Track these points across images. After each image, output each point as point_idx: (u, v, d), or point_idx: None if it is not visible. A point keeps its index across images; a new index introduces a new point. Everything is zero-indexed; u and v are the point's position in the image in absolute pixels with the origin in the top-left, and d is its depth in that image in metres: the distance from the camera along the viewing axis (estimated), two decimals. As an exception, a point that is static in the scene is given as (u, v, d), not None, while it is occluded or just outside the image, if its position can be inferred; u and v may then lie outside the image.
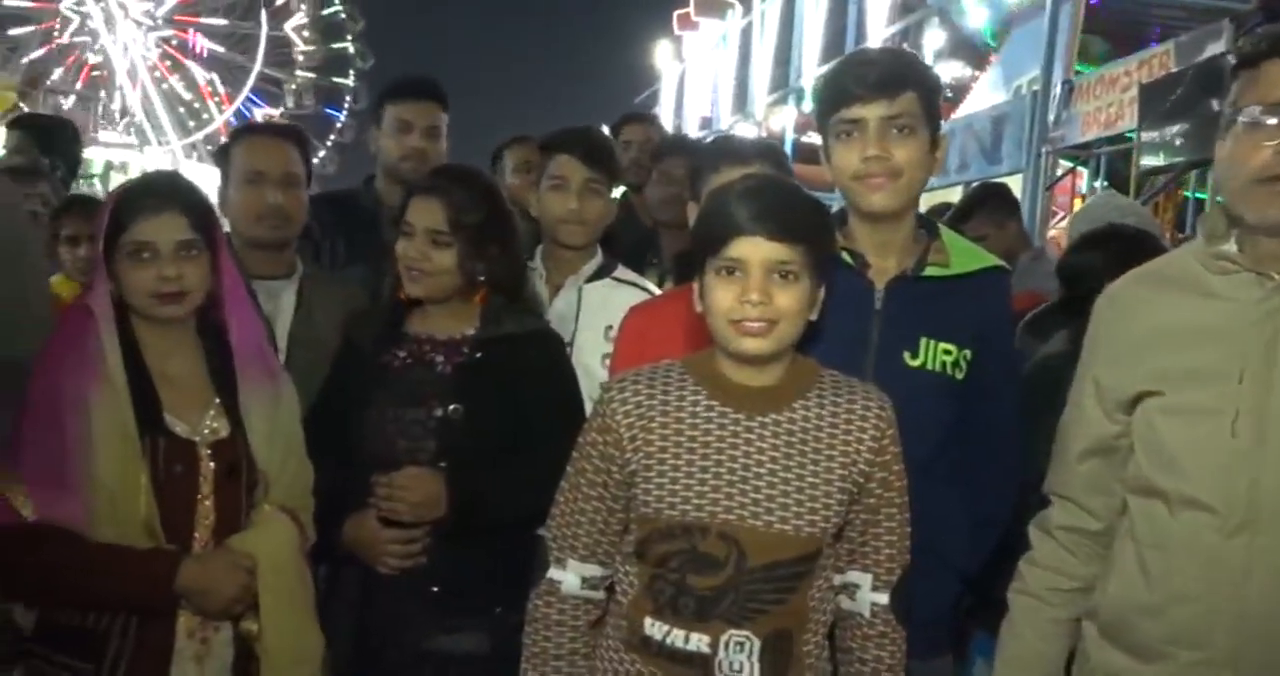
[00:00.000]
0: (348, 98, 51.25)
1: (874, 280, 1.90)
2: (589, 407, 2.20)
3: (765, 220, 1.56)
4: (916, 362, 1.88)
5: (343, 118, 51.08)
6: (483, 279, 2.18)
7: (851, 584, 1.70)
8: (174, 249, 1.87)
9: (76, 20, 49.95)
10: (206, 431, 1.92)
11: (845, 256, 1.89)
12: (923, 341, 1.88)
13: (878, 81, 1.82)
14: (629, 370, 1.71)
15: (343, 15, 50.58)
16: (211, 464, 1.90)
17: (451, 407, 2.13)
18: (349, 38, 50.96)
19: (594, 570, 1.70)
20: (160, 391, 1.89)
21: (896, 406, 1.66)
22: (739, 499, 1.59)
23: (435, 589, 2.11)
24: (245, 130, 2.67)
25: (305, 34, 50.90)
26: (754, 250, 1.56)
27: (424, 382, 2.16)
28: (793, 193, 1.66)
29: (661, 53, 26.93)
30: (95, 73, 49.50)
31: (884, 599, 1.69)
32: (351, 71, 51.14)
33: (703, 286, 1.62)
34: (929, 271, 1.91)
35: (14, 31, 48.69)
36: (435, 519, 2.09)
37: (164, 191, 1.90)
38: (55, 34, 50.05)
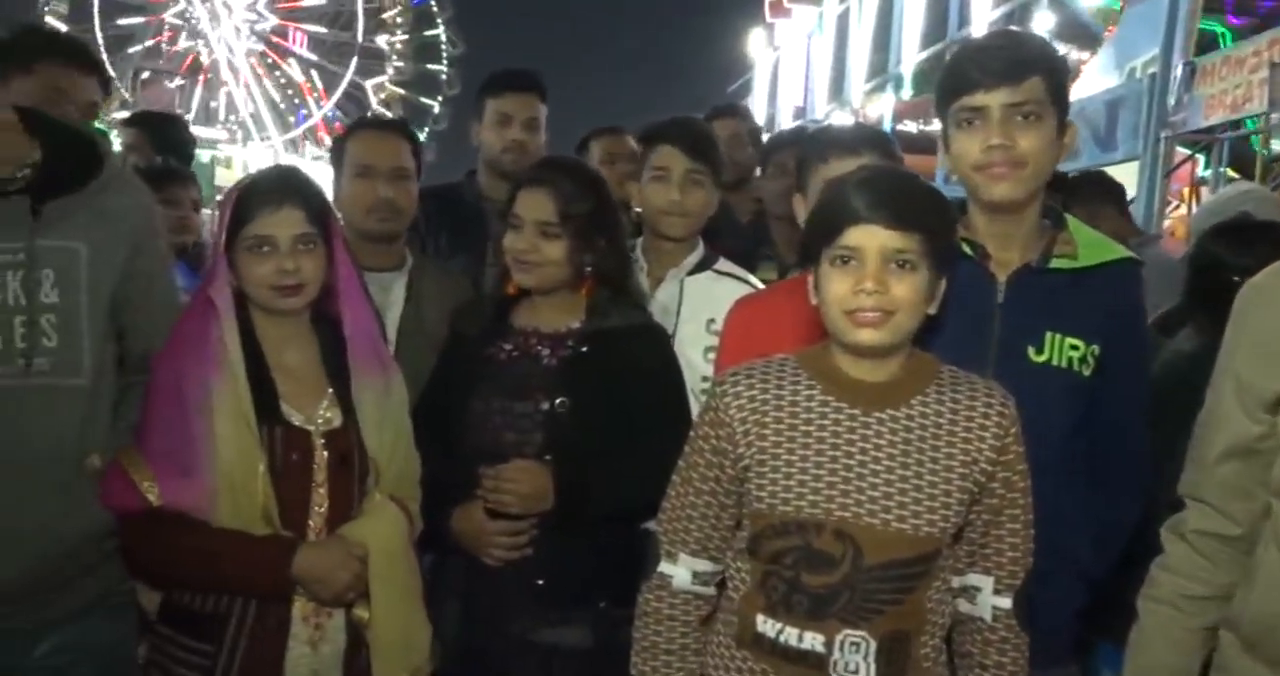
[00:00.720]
0: (441, 83, 52.23)
1: (995, 272, 1.86)
2: (692, 401, 2.23)
3: (882, 207, 1.54)
4: (1041, 358, 1.83)
5: (437, 107, 52.05)
6: (589, 271, 2.19)
7: (972, 587, 1.66)
8: (292, 242, 1.92)
9: (181, 23, 51.91)
10: (321, 421, 1.98)
11: (965, 248, 1.85)
12: (1048, 336, 1.83)
13: (1001, 67, 1.77)
14: (742, 364, 1.70)
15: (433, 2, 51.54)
16: (325, 453, 1.95)
17: (558, 401, 2.15)
18: (439, 24, 51.85)
19: (705, 565, 1.70)
20: (277, 381, 1.96)
21: (1019, 404, 1.62)
22: (855, 496, 1.57)
23: (540, 581, 2.14)
24: (358, 125, 2.74)
25: (398, 51, 52.01)
26: (870, 238, 1.55)
27: (530, 376, 2.19)
28: (910, 180, 1.63)
29: (754, 41, 26.61)
30: (201, 71, 51.30)
31: (1006, 602, 1.65)
32: (445, 58, 52.07)
33: (817, 277, 1.61)
34: (1055, 263, 1.85)
35: (123, 20, 50.88)
36: (541, 511, 2.12)
37: (283, 186, 1.96)
38: (164, 31, 52.12)
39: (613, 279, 2.24)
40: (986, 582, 1.65)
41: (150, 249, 2.03)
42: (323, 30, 54.54)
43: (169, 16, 51.72)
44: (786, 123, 21.42)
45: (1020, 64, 1.77)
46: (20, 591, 1.85)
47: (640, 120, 2.83)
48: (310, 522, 1.93)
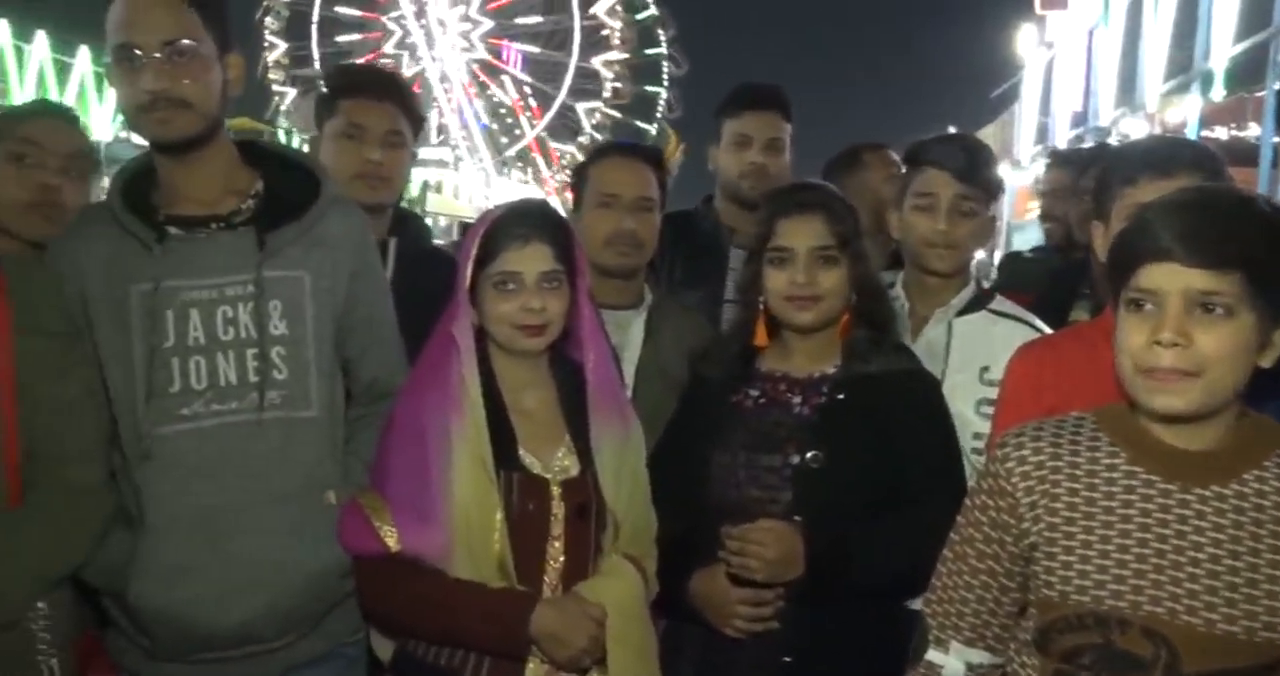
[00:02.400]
0: (660, 106, 53.25)
1: None
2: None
3: (1186, 240, 1.38)
4: None
5: (653, 130, 53.07)
6: (850, 307, 2.11)
7: None
8: (538, 280, 1.93)
9: (398, 33, 55.29)
10: (558, 469, 1.97)
11: None
12: None
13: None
14: (1027, 422, 1.58)
15: (657, 22, 52.68)
16: (563, 503, 1.93)
17: (810, 454, 2.06)
18: (662, 43, 52.91)
19: (981, 656, 1.59)
20: (515, 425, 1.96)
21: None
22: (1170, 589, 1.42)
23: (787, 659, 2.03)
24: (603, 151, 2.73)
25: (615, 70, 53.46)
26: (1170, 279, 1.39)
27: (780, 426, 2.11)
28: (1229, 203, 1.45)
29: (1022, 38, 24.68)
30: (414, 84, 54.64)
31: None
32: (665, 78, 53.06)
33: (1116, 322, 1.47)
34: None
35: (342, 38, 54.76)
36: (791, 579, 2.01)
37: (531, 221, 1.96)
38: (379, 46, 55.68)
39: (875, 318, 2.14)
40: None
41: (368, 274, 2.08)
42: (536, 50, 56.74)
43: (389, 20, 54.98)
44: (1062, 133, 20.15)
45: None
46: (266, 629, 1.91)
47: (883, 137, 2.67)
48: (546, 577, 1.92)
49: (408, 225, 2.70)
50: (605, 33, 54.42)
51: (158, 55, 1.83)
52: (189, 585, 1.85)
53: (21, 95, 23.72)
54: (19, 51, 25.56)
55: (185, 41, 1.84)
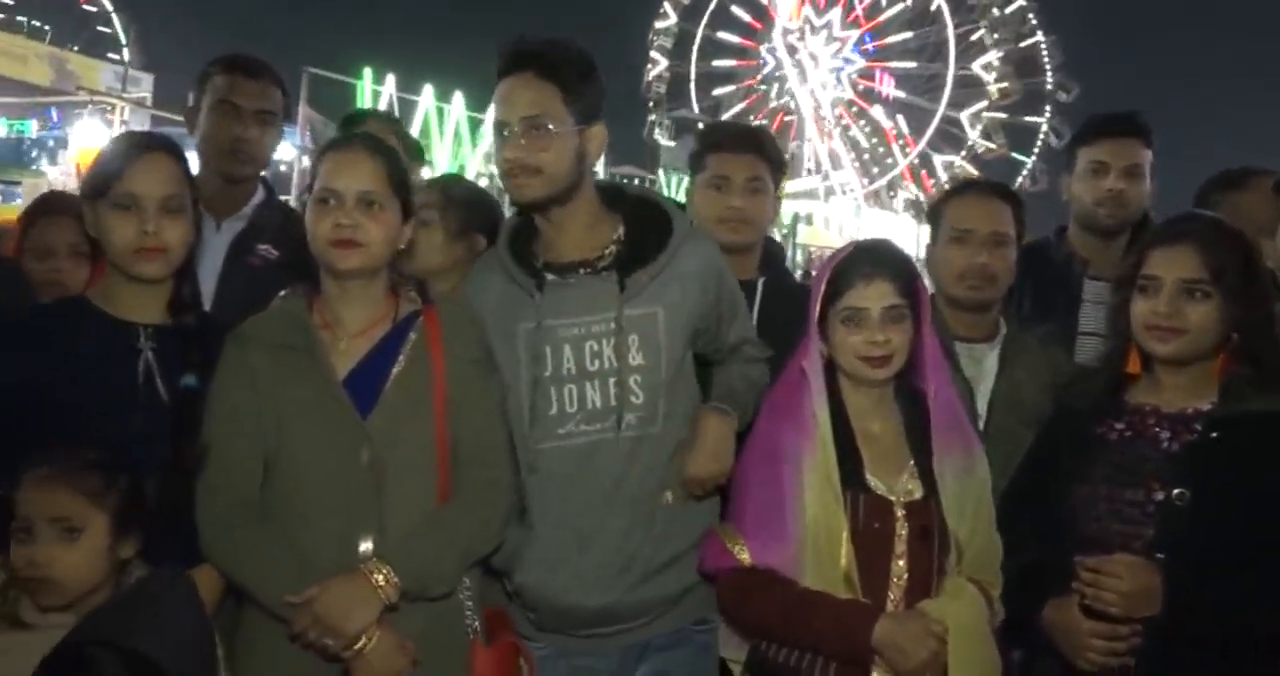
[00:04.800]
0: (1040, 138, 50.84)
1: None
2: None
3: None
4: None
5: (1030, 162, 50.72)
6: (1230, 343, 2.08)
7: None
8: (881, 314, 2.12)
9: (771, 63, 56.44)
10: (902, 491, 2.14)
11: None
12: None
13: None
14: None
15: (1042, 48, 50.42)
16: (906, 524, 2.09)
17: (1176, 492, 2.05)
18: (1046, 71, 50.60)
19: None
20: (862, 450, 2.16)
21: None
22: None
23: (1140, 698, 2.05)
24: (958, 188, 2.85)
25: (996, 71, 51.68)
26: None
27: (1145, 460, 2.12)
28: None
29: None
30: (788, 118, 55.29)
31: None
32: (1047, 108, 50.61)
33: None
34: None
35: (718, 91, 56.81)
36: (1147, 616, 2.02)
37: (876, 259, 2.17)
38: (754, 92, 57.15)
39: (1258, 355, 2.09)
40: None
41: (725, 289, 2.34)
42: (912, 65, 55.89)
43: (765, 50, 56.11)
44: None
45: None
46: (623, 612, 2.23)
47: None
48: (890, 593, 2.09)
49: (775, 264, 2.93)
50: (978, 36, 52.45)
51: (518, 129, 2.20)
52: (561, 574, 2.21)
53: (441, 149, 26.99)
54: (440, 112, 28.97)
55: (541, 118, 2.18)
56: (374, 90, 28.10)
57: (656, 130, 52.85)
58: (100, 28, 45.57)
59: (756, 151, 2.79)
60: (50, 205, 2.78)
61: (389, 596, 1.98)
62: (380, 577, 1.97)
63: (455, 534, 2.10)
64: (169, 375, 2.10)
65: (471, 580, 2.18)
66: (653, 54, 54.37)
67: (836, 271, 2.16)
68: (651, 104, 54.20)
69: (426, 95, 29.78)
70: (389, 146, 2.22)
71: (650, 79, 54.27)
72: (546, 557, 2.20)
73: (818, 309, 2.17)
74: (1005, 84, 51.34)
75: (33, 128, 29.60)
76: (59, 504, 1.85)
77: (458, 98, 29.94)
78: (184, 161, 2.19)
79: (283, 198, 3.25)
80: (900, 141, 56.48)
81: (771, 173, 2.81)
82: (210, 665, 1.90)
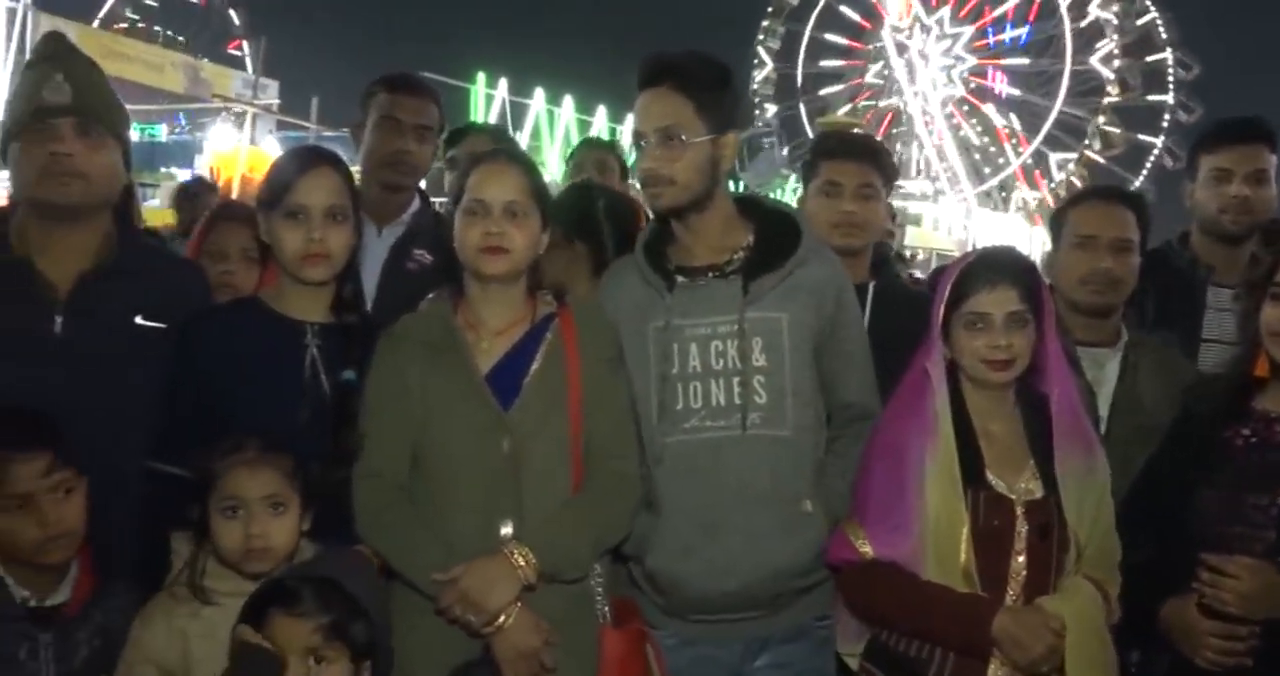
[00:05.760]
0: (1165, 120, 48.97)
1: None
2: None
3: None
4: None
5: (1158, 144, 48.84)
6: None
7: None
8: (1005, 320, 2.19)
9: (879, 63, 55.60)
10: (1022, 490, 2.20)
11: None
12: None
13: None
14: None
15: (1159, 25, 48.57)
16: (1025, 522, 2.15)
17: None
18: (1165, 48, 48.68)
19: None
20: (983, 449, 2.23)
21: None
22: None
23: (1257, 697, 2.10)
24: (1082, 195, 2.89)
25: (1115, 64, 49.98)
26: None
27: (1271, 466, 2.16)
28: None
29: None
30: (895, 130, 54.40)
31: None
32: (1164, 121, 48.80)
33: None
34: None
35: (824, 91, 56.17)
36: (1266, 619, 2.06)
37: (999, 266, 2.25)
38: (860, 91, 56.37)
39: None
40: None
41: (843, 313, 2.42)
42: (1025, 61, 54.44)
43: (875, 49, 55.27)
44: None
45: None
46: (744, 602, 2.32)
47: None
48: (1009, 589, 2.16)
49: (885, 270, 3.01)
50: (1089, 21, 50.54)
51: (653, 140, 2.32)
52: (689, 562, 2.31)
53: (551, 152, 27.40)
54: (550, 115, 29.48)
55: (673, 129, 2.30)
56: (487, 94, 28.69)
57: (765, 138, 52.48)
58: (231, 36, 47.45)
59: (868, 159, 2.88)
60: (226, 212, 3.01)
61: (527, 577, 2.11)
62: (520, 558, 2.11)
63: (588, 521, 2.23)
64: (332, 370, 2.27)
65: (601, 568, 2.31)
66: (760, 54, 54.10)
67: (961, 276, 2.24)
68: (758, 102, 53.91)
69: (538, 99, 30.28)
70: (530, 159, 2.37)
71: (757, 82, 54.01)
72: (677, 544, 2.31)
73: (941, 312, 2.25)
74: (1127, 78, 49.60)
75: (162, 132, 30.97)
76: (269, 483, 2.05)
77: (567, 101, 30.41)
78: (347, 173, 2.37)
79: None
80: (1013, 140, 55.13)
81: (883, 180, 2.89)
82: (388, 621, 2.05)
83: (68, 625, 2.00)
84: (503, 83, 29.28)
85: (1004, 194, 54.03)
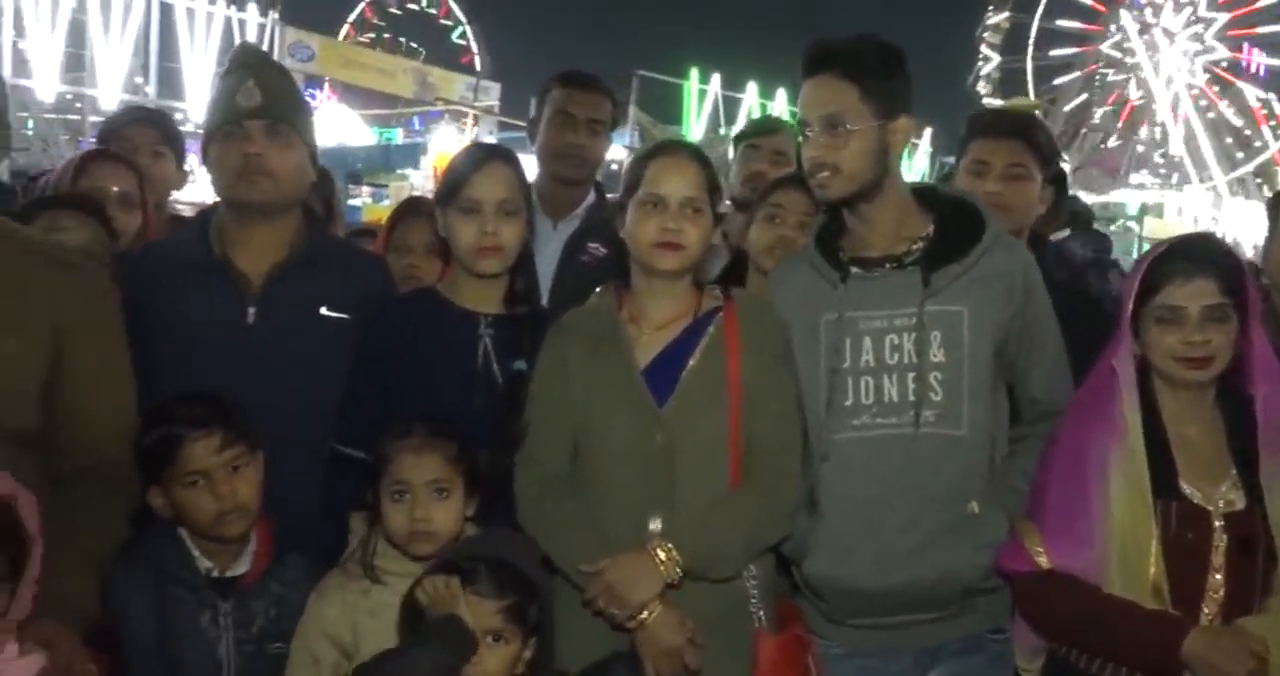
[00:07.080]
0: None
1: None
2: None
3: None
4: None
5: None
6: None
7: None
8: (1200, 314, 2.02)
9: (1118, 56, 52.39)
10: (1221, 501, 2.02)
11: None
12: None
13: None
14: None
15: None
16: (1225, 536, 1.98)
17: None
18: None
19: None
20: (1176, 456, 2.06)
21: None
22: None
23: None
24: None
25: None
26: None
27: None
28: None
29: None
30: (1136, 117, 51.15)
31: None
32: None
33: None
34: None
35: (1057, 81, 53.31)
36: None
37: (1195, 255, 2.07)
38: (1096, 79, 53.22)
39: None
40: None
41: (1031, 304, 2.29)
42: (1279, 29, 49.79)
43: (1114, 28, 52.11)
44: None
45: None
46: (909, 606, 2.22)
47: None
48: (1204, 608, 1.99)
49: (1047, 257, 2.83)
50: None
51: (817, 128, 2.25)
52: (850, 562, 2.24)
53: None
54: (764, 109, 29.39)
55: (837, 116, 2.22)
56: (700, 89, 28.82)
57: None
58: (457, 41, 49.76)
59: (1020, 138, 2.73)
60: (410, 209, 3.13)
61: (670, 574, 2.10)
62: (663, 554, 2.10)
63: (741, 518, 2.19)
64: (504, 360, 2.33)
65: (762, 570, 2.25)
66: (983, 50, 51.88)
67: (1151, 268, 2.08)
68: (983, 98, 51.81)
69: (750, 93, 30.20)
70: (705, 154, 2.34)
71: (979, 76, 51.87)
72: (836, 545, 2.24)
73: (1130, 306, 2.09)
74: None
75: (399, 135, 32.64)
76: (434, 468, 2.12)
77: (780, 94, 30.20)
78: (519, 169, 2.42)
79: (612, 196, 3.50)
80: (1272, 122, 50.72)
81: (1039, 161, 2.74)
82: (550, 599, 2.08)
83: (246, 595, 2.12)
84: (715, 77, 29.33)
85: (1259, 180, 49.79)
